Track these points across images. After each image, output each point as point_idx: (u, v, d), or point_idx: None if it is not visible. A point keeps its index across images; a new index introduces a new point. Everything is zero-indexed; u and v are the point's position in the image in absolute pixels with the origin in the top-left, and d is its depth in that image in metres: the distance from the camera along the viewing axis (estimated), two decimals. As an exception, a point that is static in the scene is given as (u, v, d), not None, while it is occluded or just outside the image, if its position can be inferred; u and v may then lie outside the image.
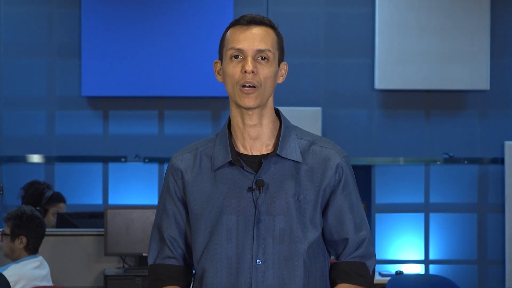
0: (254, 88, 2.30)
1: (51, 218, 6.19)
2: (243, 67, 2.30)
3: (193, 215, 2.37)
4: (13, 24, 7.04)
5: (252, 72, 2.30)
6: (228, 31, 2.35)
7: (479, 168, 7.15)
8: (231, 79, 2.32)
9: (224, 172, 2.35)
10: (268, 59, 2.32)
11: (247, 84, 2.30)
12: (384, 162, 7.12)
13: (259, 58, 2.32)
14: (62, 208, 6.28)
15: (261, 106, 2.33)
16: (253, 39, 2.31)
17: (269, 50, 2.32)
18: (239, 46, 2.31)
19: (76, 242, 5.76)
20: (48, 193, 6.24)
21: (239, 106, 2.33)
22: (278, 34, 2.37)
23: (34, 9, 7.07)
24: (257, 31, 2.32)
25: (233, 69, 2.32)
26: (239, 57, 2.32)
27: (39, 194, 6.23)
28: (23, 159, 7.03)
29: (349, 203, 2.37)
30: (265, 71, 2.32)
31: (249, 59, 2.30)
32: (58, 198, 6.32)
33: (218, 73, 2.40)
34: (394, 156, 7.13)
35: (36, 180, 6.38)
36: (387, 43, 6.99)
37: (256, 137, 2.36)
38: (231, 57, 2.32)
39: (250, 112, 2.33)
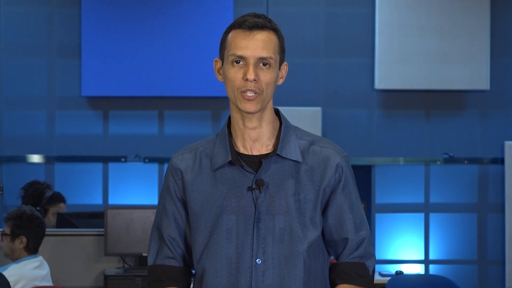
0: (255, 95, 2.30)
1: (51, 218, 6.18)
2: (244, 74, 2.30)
3: (193, 215, 2.37)
4: (13, 24, 7.04)
5: (254, 80, 2.30)
6: (230, 34, 2.34)
7: (479, 168, 7.15)
8: (231, 84, 2.32)
9: (224, 172, 2.35)
10: (269, 65, 2.32)
11: (248, 91, 2.30)
12: (384, 162, 7.12)
13: (261, 64, 2.31)
14: (62, 208, 6.28)
15: (261, 110, 2.34)
16: (256, 46, 2.30)
17: (271, 57, 2.31)
18: (240, 53, 2.30)
19: (76, 242, 5.76)
20: (48, 193, 6.24)
21: (239, 109, 2.33)
22: (279, 37, 2.36)
23: (34, 9, 7.07)
24: (259, 37, 2.31)
25: (235, 74, 2.31)
26: (241, 62, 2.31)
27: (39, 194, 6.22)
28: (23, 159, 7.03)
29: (349, 203, 2.37)
30: (266, 77, 2.31)
31: (251, 68, 2.30)
32: (58, 198, 6.31)
33: (218, 72, 2.40)
34: (394, 156, 7.13)
35: (36, 180, 6.37)
36: (387, 43, 6.99)
37: (256, 138, 2.36)
38: (232, 62, 2.32)
39: (250, 116, 2.34)
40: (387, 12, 6.98)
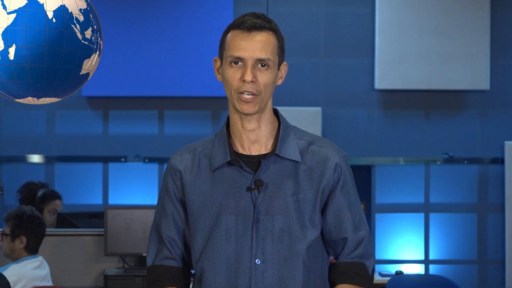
0: (253, 96, 2.30)
1: (47, 216, 6.11)
2: (242, 75, 2.29)
3: (192, 215, 2.37)
4: (13, 24, 7.03)
5: (252, 81, 2.29)
6: (229, 34, 2.33)
7: (479, 168, 7.15)
8: (229, 85, 2.31)
9: (223, 172, 2.34)
10: (268, 67, 2.31)
11: (246, 93, 2.30)
12: (384, 162, 7.11)
13: (259, 65, 2.30)
14: (58, 205, 6.20)
15: (259, 111, 2.33)
16: (254, 47, 2.29)
17: (269, 59, 2.30)
18: (238, 54, 2.29)
19: (76, 242, 5.75)
20: (41, 192, 6.17)
21: (237, 111, 2.33)
22: (279, 37, 2.35)
23: (34, 9, 7.06)
24: (258, 38, 2.30)
25: (233, 75, 2.31)
26: (239, 63, 2.31)
27: (33, 195, 6.17)
28: (23, 159, 7.03)
29: (348, 203, 2.37)
30: (265, 78, 2.31)
31: (249, 69, 2.29)
32: (52, 195, 6.22)
33: (218, 71, 2.39)
34: (394, 156, 7.12)
35: (30, 181, 6.32)
36: (387, 43, 6.98)
37: (255, 139, 2.36)
38: (230, 63, 2.31)
39: (248, 118, 2.33)
40: (387, 12, 6.98)
